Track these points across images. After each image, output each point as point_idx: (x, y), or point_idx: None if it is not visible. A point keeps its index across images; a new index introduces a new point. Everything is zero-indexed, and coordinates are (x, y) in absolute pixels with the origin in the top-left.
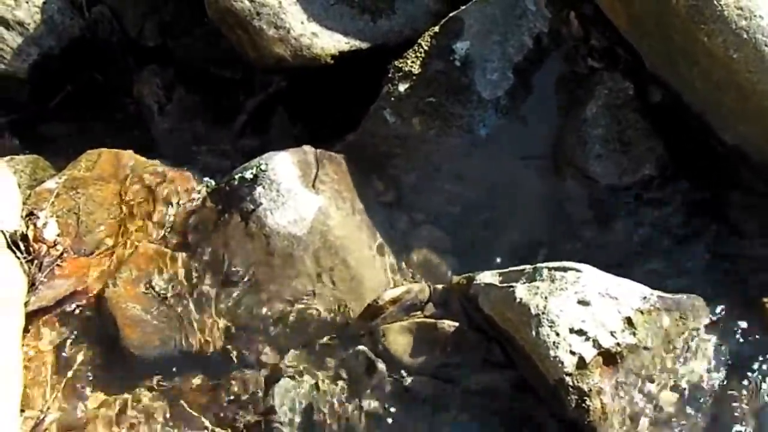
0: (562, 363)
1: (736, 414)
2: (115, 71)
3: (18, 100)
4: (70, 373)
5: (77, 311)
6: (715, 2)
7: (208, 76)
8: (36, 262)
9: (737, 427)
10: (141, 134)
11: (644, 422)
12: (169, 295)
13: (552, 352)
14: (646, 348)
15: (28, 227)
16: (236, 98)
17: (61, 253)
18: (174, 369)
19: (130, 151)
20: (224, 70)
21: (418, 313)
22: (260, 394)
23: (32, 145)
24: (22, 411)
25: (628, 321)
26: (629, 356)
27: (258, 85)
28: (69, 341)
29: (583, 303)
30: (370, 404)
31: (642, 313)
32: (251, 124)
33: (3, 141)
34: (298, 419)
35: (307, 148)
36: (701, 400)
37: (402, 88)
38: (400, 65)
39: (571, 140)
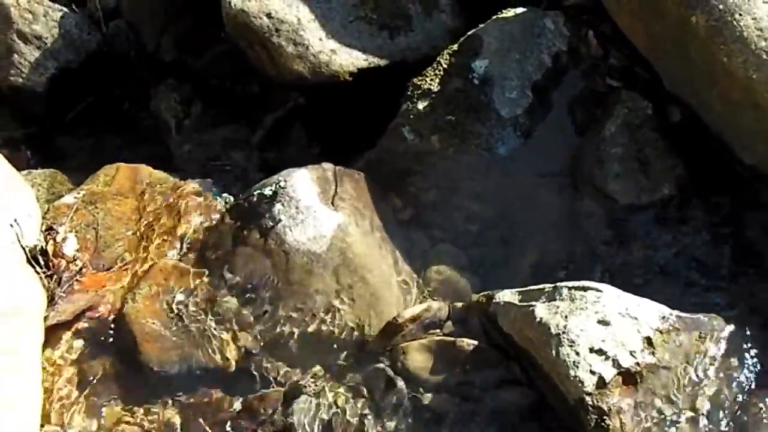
0: (582, 382)
1: None
2: (132, 85)
3: (35, 113)
4: (88, 389)
5: (96, 326)
6: (735, 23)
7: (225, 91)
8: (55, 276)
9: None
10: (158, 149)
11: None
12: (187, 311)
13: (572, 372)
14: (665, 367)
15: (47, 242)
16: (254, 114)
17: (80, 268)
18: (192, 385)
19: (148, 167)
20: (242, 85)
21: (437, 331)
22: (279, 411)
23: (49, 158)
24: (42, 426)
25: (648, 341)
26: (648, 376)
27: (276, 101)
28: (87, 356)
29: (603, 323)
30: (389, 422)
31: (661, 332)
32: (269, 140)
33: (20, 154)
34: None
35: (326, 165)
36: (720, 420)
37: (421, 105)
38: (419, 83)
39: (589, 159)
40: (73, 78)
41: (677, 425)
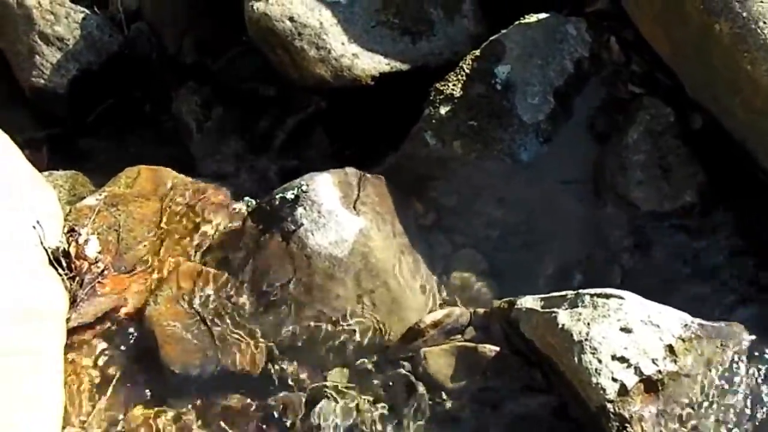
0: (604, 390)
1: None
2: (153, 87)
3: (56, 114)
4: (109, 390)
5: (117, 328)
6: (759, 31)
7: (246, 94)
8: (77, 278)
9: None
10: (179, 151)
11: None
12: (209, 313)
13: (594, 379)
14: (687, 375)
15: (69, 244)
16: (275, 117)
17: (102, 270)
18: (214, 388)
19: (170, 169)
20: (263, 88)
21: (459, 336)
22: (300, 414)
23: (70, 159)
24: (63, 427)
25: (670, 348)
26: (670, 384)
27: (297, 105)
28: (109, 358)
29: (625, 330)
30: (411, 427)
31: (683, 340)
32: (290, 143)
33: (41, 155)
34: None
35: (348, 169)
36: (742, 428)
37: (443, 110)
38: (441, 88)
39: (611, 165)
40: (95, 80)
41: None
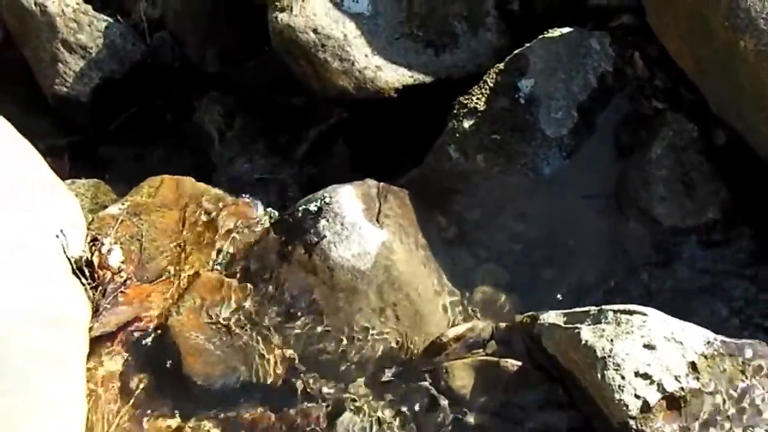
0: (627, 406)
1: None
2: (175, 96)
3: (79, 122)
4: (131, 400)
5: (139, 338)
6: None
7: (268, 104)
8: (100, 288)
9: None
10: (200, 160)
11: None
12: (231, 325)
13: (617, 395)
14: (708, 393)
15: (92, 253)
16: (297, 127)
17: (125, 280)
18: (235, 400)
19: (192, 179)
20: (285, 98)
21: (481, 350)
22: (322, 427)
23: (91, 167)
24: None
25: (692, 366)
26: (692, 401)
27: (319, 115)
28: (131, 368)
29: (648, 347)
30: None
31: (706, 357)
32: (312, 154)
33: (63, 163)
34: None
35: (371, 181)
36: None
37: (467, 124)
38: (465, 101)
39: (634, 181)
40: (117, 88)
41: None
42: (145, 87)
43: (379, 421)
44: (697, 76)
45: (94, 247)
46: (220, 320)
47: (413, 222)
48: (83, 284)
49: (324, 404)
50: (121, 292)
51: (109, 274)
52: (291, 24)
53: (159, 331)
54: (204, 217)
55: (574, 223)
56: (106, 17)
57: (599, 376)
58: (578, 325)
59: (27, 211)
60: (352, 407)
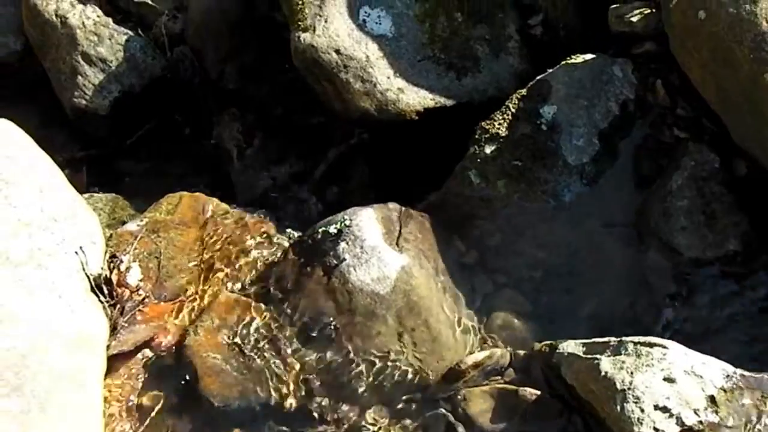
0: None
1: None
2: (194, 112)
3: (97, 135)
4: (148, 420)
5: (157, 357)
6: None
7: (288, 122)
8: (118, 306)
9: None
10: (219, 177)
11: None
12: (249, 346)
13: (636, 428)
14: (727, 427)
15: (111, 271)
16: (316, 147)
17: (143, 299)
18: (252, 421)
19: (211, 197)
20: (305, 117)
21: (499, 378)
22: None
23: (109, 181)
24: None
25: (712, 399)
26: None
27: (339, 136)
28: (148, 387)
29: (668, 380)
30: None
31: (725, 391)
32: (331, 175)
33: (81, 176)
34: None
35: (391, 205)
36: None
37: (488, 150)
38: (487, 126)
39: (655, 211)
40: (136, 102)
41: None
42: (165, 101)
43: None
44: (720, 106)
45: (112, 265)
46: (238, 341)
47: (433, 246)
48: (102, 302)
49: (341, 428)
50: (139, 310)
51: (127, 292)
52: (314, 44)
53: (176, 351)
54: (223, 236)
55: (594, 251)
56: (126, 30)
57: (618, 408)
58: (598, 356)
59: (47, 229)
60: None
